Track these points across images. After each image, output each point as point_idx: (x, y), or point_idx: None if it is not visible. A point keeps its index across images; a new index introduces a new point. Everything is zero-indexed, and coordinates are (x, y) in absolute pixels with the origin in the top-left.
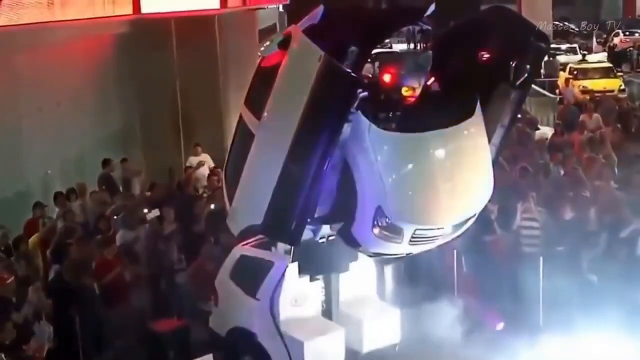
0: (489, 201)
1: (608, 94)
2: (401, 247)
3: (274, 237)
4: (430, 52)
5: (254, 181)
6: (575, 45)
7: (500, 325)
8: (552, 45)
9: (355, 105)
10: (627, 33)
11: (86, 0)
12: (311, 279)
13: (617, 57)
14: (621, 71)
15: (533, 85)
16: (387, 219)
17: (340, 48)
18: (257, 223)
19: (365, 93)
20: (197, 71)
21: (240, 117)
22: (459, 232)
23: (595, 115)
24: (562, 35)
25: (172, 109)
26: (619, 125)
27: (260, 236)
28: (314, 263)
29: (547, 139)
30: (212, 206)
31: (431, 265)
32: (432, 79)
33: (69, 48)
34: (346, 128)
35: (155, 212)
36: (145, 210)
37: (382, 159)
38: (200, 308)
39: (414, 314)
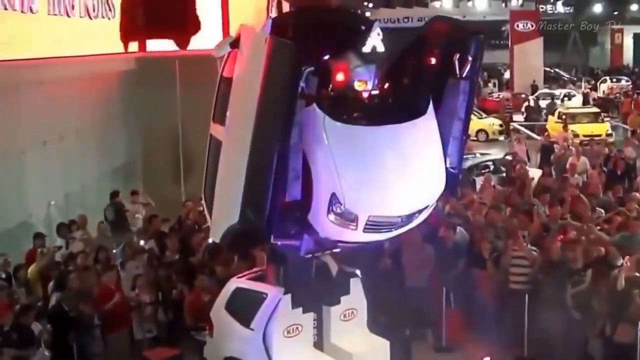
0: (484, 238)
1: (596, 138)
2: (357, 235)
3: (250, 229)
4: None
5: (226, 183)
6: (572, 90)
7: (486, 359)
8: (545, 91)
9: (304, 77)
10: (615, 80)
11: (92, 37)
12: (304, 311)
13: (605, 103)
14: (608, 116)
15: (523, 129)
16: (341, 205)
17: (284, 35)
18: (234, 221)
19: (312, 68)
20: (199, 108)
21: (210, 137)
22: (414, 224)
23: (583, 159)
24: (553, 80)
25: (173, 144)
26: (604, 169)
27: (256, 269)
28: (306, 296)
29: (533, 179)
30: (210, 240)
31: (420, 300)
32: (387, 84)
33: (74, 84)
34: (300, 107)
35: (151, 244)
36: (142, 242)
37: (337, 149)
38: (195, 338)
39: (402, 347)
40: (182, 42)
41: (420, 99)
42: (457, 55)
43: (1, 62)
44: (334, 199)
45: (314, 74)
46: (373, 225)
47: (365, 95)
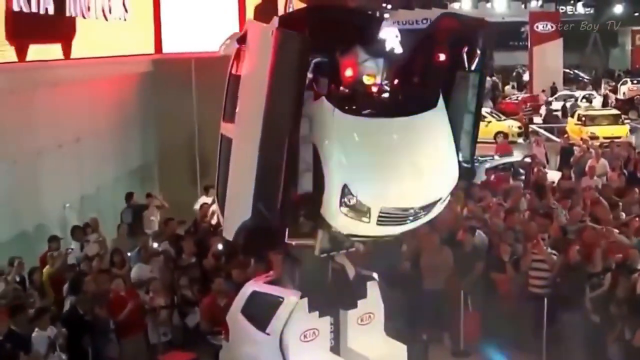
0: (503, 242)
1: (616, 140)
2: (371, 228)
3: (263, 224)
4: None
5: (238, 179)
6: (593, 92)
7: None
8: (565, 92)
9: (311, 68)
10: (635, 82)
11: (108, 38)
12: (320, 315)
13: (625, 105)
14: (628, 118)
15: (543, 131)
16: (353, 197)
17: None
18: (247, 217)
19: (319, 59)
20: (215, 110)
21: (221, 137)
22: (428, 217)
23: (602, 161)
24: (572, 82)
25: (189, 147)
26: (625, 171)
27: (272, 272)
28: (323, 299)
29: (553, 182)
30: (219, 246)
31: (438, 303)
32: (397, 81)
33: (90, 86)
34: (309, 100)
35: (165, 245)
36: (155, 245)
37: (347, 141)
38: (211, 342)
39: (420, 351)
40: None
41: (430, 93)
42: (466, 49)
43: (17, 63)
44: (346, 191)
45: (321, 66)
46: (386, 218)
47: (374, 89)
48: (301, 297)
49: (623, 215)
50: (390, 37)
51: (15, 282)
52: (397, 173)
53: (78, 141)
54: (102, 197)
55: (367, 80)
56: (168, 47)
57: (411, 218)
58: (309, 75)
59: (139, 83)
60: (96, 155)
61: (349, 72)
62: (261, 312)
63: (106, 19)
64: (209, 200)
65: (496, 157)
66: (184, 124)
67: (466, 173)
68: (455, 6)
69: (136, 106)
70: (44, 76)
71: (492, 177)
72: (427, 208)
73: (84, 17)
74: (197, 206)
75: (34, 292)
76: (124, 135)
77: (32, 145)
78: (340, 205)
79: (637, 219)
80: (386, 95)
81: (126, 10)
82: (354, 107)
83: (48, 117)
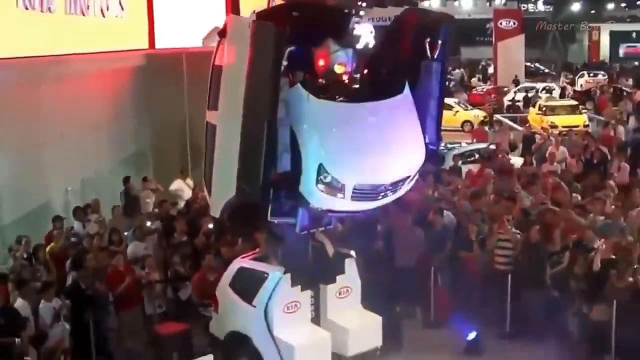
0: (470, 222)
1: (574, 129)
2: (345, 203)
3: (246, 201)
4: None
5: (222, 161)
6: (553, 84)
7: (471, 334)
8: (527, 84)
9: (286, 55)
10: (592, 75)
11: (105, 35)
12: (302, 289)
13: (582, 96)
14: (585, 108)
15: (506, 120)
16: (328, 175)
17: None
18: (232, 195)
19: (293, 47)
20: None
21: (207, 125)
22: (398, 194)
23: (562, 148)
24: (534, 74)
25: (181, 135)
26: (582, 158)
27: (258, 250)
28: (304, 275)
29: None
30: (210, 225)
31: (410, 279)
32: (366, 70)
33: (89, 79)
34: (285, 87)
35: (157, 224)
36: (149, 223)
37: (321, 123)
38: (202, 314)
39: (393, 322)
40: None
41: (397, 80)
42: (428, 40)
43: (22, 58)
44: (321, 169)
45: (295, 55)
46: (359, 194)
47: (345, 77)
48: (284, 273)
49: (579, 197)
50: (366, 32)
51: (22, 258)
52: (368, 153)
53: (79, 131)
54: (101, 181)
55: (338, 69)
56: (160, 43)
57: (382, 194)
58: (285, 63)
59: (134, 76)
60: (95, 144)
61: (321, 62)
62: (248, 286)
63: (104, 17)
64: (183, 182)
65: (463, 144)
66: (175, 114)
67: (433, 155)
68: (425, 4)
69: (131, 98)
70: (46, 70)
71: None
72: (397, 185)
73: (83, 15)
74: (172, 187)
75: (40, 267)
76: (120, 125)
77: (37, 136)
78: (317, 182)
79: (594, 201)
80: (356, 82)
81: (122, 9)
82: (327, 93)
83: (51, 110)
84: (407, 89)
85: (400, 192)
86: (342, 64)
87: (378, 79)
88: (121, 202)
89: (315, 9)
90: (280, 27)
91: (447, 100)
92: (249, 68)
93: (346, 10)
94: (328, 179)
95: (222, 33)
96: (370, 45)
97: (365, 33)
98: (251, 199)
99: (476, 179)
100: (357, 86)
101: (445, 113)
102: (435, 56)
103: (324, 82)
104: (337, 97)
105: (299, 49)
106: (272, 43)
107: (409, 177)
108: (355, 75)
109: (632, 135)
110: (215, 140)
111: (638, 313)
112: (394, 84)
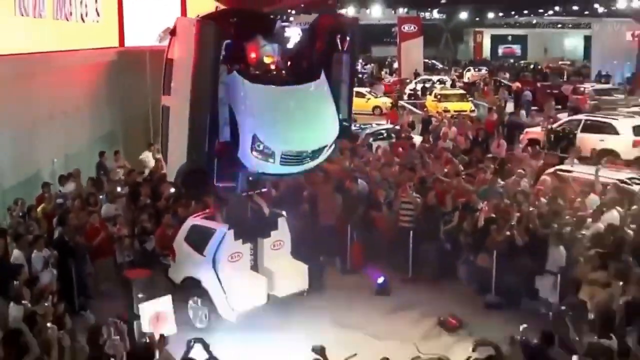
0: (379, 188)
1: (462, 113)
2: (276, 167)
3: (195, 166)
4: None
5: (176, 135)
6: (445, 77)
7: (380, 279)
8: (425, 77)
9: (223, 48)
10: (476, 70)
11: (85, 35)
12: (243, 242)
13: (469, 87)
14: (472, 96)
15: (408, 105)
16: (261, 144)
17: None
18: (183, 162)
19: (229, 41)
20: None
21: (162, 107)
22: (320, 159)
23: (453, 129)
24: (430, 69)
25: (145, 118)
26: (470, 136)
27: (207, 211)
28: (245, 230)
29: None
30: (172, 190)
31: (331, 235)
32: (289, 62)
33: (72, 71)
34: (224, 73)
35: (126, 190)
36: (119, 189)
37: (254, 102)
38: (163, 262)
39: (318, 269)
40: None
41: (315, 69)
42: (339, 36)
43: (18, 55)
44: (255, 139)
45: (232, 47)
46: (287, 159)
47: (272, 67)
48: (229, 229)
49: (461, 167)
50: (294, 34)
51: (19, 216)
52: (293, 125)
53: (64, 114)
54: (82, 154)
55: (267, 59)
56: (129, 42)
57: (305, 160)
58: (223, 53)
59: (108, 69)
60: (77, 124)
61: (253, 54)
62: (199, 240)
63: (84, 21)
64: (149, 154)
65: (374, 125)
66: (141, 99)
67: (346, 130)
68: (342, 12)
69: (105, 87)
70: (38, 64)
71: (400, 149)
72: (317, 152)
73: (67, 19)
74: (142, 156)
75: (33, 223)
76: (97, 109)
77: (30, 117)
78: (252, 150)
79: (478, 171)
80: (282, 71)
81: (98, 15)
82: (258, 79)
83: (42, 96)
84: (323, 76)
85: (320, 159)
86: (269, 55)
87: (300, 68)
88: (96, 171)
89: (250, 15)
90: (218, 26)
91: (361, 90)
92: (195, 59)
93: (272, 16)
94: (261, 147)
95: (172, 32)
96: (295, 43)
97: (294, 35)
98: (199, 165)
99: (396, 153)
100: (282, 73)
101: (359, 100)
102: (345, 49)
103: (256, 71)
104: (266, 82)
105: (234, 43)
106: (212, 37)
107: (326, 146)
108: (281, 66)
109: (509, 118)
110: (169, 118)
111: (513, 260)
112: (312, 72)
